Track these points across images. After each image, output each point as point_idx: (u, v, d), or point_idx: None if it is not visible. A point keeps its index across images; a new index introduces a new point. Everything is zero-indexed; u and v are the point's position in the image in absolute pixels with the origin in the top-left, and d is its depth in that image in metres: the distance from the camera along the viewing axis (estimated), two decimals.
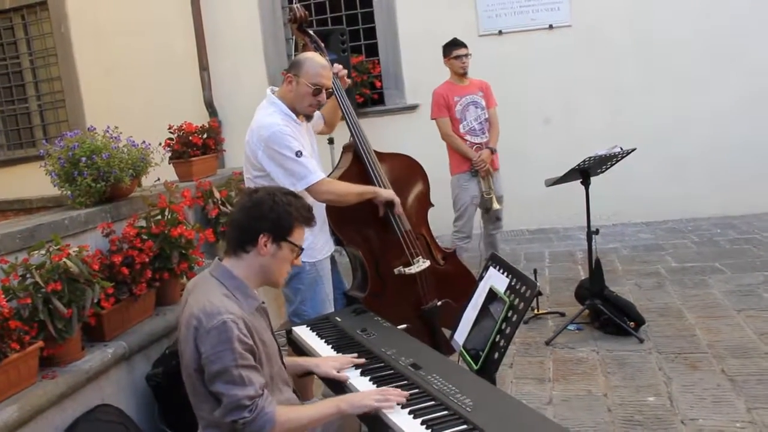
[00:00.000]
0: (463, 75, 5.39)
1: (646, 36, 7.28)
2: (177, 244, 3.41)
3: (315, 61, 3.25)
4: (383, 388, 2.15)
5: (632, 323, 4.43)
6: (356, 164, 3.59)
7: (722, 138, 7.17)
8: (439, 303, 3.64)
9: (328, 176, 3.61)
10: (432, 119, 5.43)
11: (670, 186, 7.30)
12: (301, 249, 2.31)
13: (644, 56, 7.29)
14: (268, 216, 2.21)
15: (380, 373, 2.32)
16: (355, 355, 2.47)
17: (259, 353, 2.13)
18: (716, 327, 4.41)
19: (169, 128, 4.85)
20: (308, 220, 2.31)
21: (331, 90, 3.38)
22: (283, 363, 2.36)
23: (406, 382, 2.20)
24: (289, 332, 2.91)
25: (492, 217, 5.42)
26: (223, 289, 2.18)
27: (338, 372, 2.38)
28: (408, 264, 3.56)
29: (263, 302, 2.31)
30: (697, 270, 5.64)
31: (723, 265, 5.67)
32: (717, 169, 7.21)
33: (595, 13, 7.34)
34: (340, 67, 3.62)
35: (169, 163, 4.78)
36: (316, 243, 3.37)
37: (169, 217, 3.49)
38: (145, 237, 3.33)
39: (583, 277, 5.23)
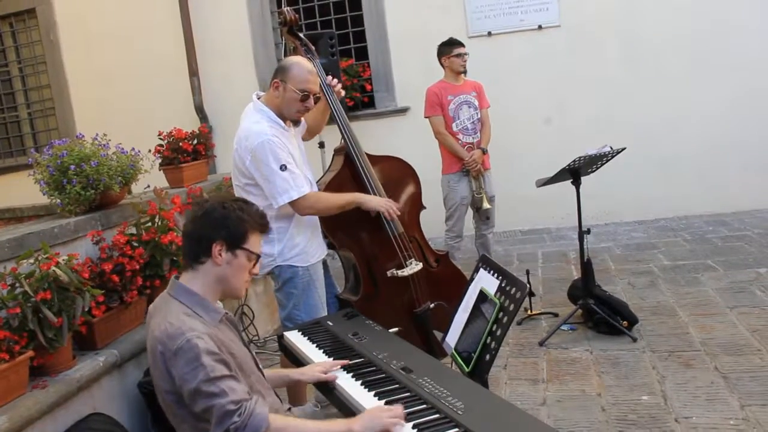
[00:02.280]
0: (462, 73, 5.44)
1: (635, 35, 7.29)
2: (168, 251, 3.39)
3: (302, 66, 3.23)
4: (395, 406, 2.04)
5: (625, 322, 4.43)
6: (348, 167, 3.59)
7: (713, 136, 7.20)
8: (432, 305, 3.64)
9: (320, 179, 3.62)
10: (425, 117, 5.46)
11: (661, 184, 7.32)
12: (258, 256, 2.28)
13: (633, 55, 7.31)
14: (220, 223, 2.18)
15: (372, 377, 2.31)
16: (337, 362, 2.46)
17: (230, 366, 2.09)
18: (709, 325, 4.42)
19: (159, 134, 4.84)
20: (262, 226, 2.28)
21: (318, 95, 3.38)
22: (260, 371, 2.35)
23: (397, 385, 2.20)
24: (281, 338, 2.90)
25: (482, 217, 5.43)
26: (183, 307, 2.15)
27: (325, 375, 2.38)
28: (401, 266, 3.57)
29: (227, 312, 2.29)
30: (689, 268, 5.65)
31: (715, 263, 5.68)
32: (708, 167, 7.24)
33: (583, 13, 7.35)
34: (336, 81, 3.62)
35: (160, 170, 4.77)
36: (309, 247, 3.36)
37: (160, 223, 3.48)
38: (135, 244, 3.31)
39: (575, 277, 5.23)
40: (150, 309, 2.28)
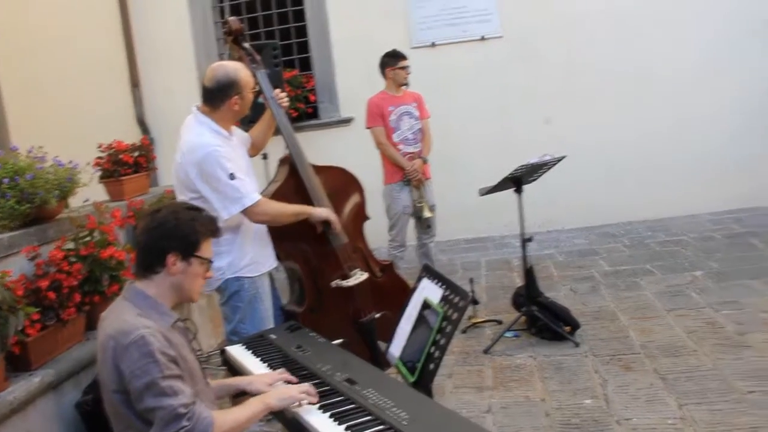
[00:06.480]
0: (405, 85, 5.48)
1: (575, 46, 7.46)
2: (107, 266, 3.33)
3: (240, 68, 3.23)
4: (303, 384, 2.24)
5: (568, 328, 4.52)
6: (293, 178, 3.57)
7: (651, 144, 7.39)
8: (377, 315, 3.64)
9: (264, 190, 3.58)
10: (367, 128, 5.47)
11: (601, 192, 7.48)
12: (211, 261, 2.29)
13: (574, 66, 7.47)
14: (174, 234, 2.19)
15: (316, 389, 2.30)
16: (283, 370, 2.45)
17: (180, 367, 2.09)
18: (648, 327, 4.54)
19: (99, 146, 4.75)
20: (214, 231, 2.30)
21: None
22: (207, 383, 2.33)
23: (342, 397, 2.19)
24: (224, 352, 2.86)
25: (423, 226, 5.47)
26: (137, 309, 2.14)
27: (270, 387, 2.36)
28: (345, 277, 3.56)
29: (180, 318, 2.28)
30: (629, 273, 5.79)
31: (654, 267, 5.84)
32: (646, 174, 7.42)
33: (524, 25, 7.49)
34: (279, 91, 3.60)
35: (100, 183, 4.68)
36: (260, 256, 3.33)
37: (99, 238, 3.41)
38: (73, 260, 3.24)
39: (519, 285, 5.30)
40: (103, 314, 2.26)
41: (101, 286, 3.31)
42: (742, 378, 3.67)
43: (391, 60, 5.47)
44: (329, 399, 2.20)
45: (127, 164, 4.72)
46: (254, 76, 3.40)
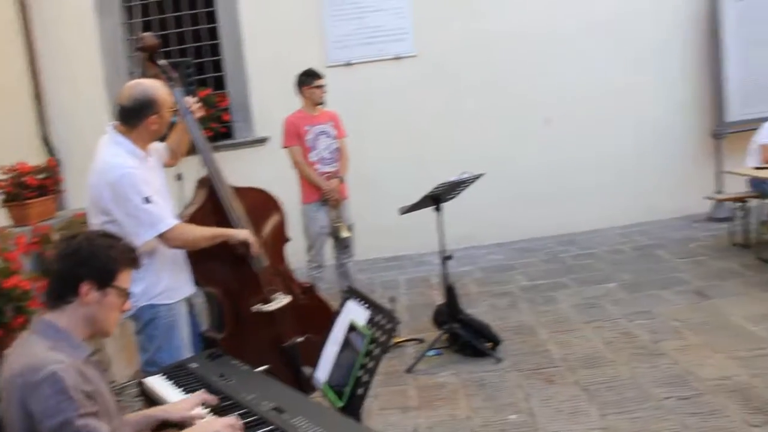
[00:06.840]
0: (321, 104, 5.45)
1: (489, 65, 7.60)
2: (11, 297, 3.14)
3: (158, 87, 3.13)
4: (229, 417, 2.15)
5: (489, 344, 4.56)
6: (211, 200, 3.47)
7: (559, 163, 7.61)
8: (300, 339, 3.57)
9: (181, 213, 3.47)
10: (283, 148, 5.41)
11: (516, 208, 7.64)
12: (128, 293, 2.18)
13: (487, 84, 7.61)
14: (89, 262, 2.06)
15: (243, 420, 2.21)
16: (202, 392, 2.37)
17: (97, 403, 1.97)
18: (567, 340, 4.64)
19: (0, 169, 4.52)
20: (133, 261, 2.19)
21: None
22: (121, 418, 2.21)
23: (271, 427, 2.12)
24: (141, 383, 2.73)
25: (341, 245, 5.44)
26: (48, 342, 2.00)
27: (192, 412, 2.28)
28: (266, 301, 3.48)
29: (93, 353, 2.16)
30: (546, 287, 5.92)
31: (569, 280, 6.00)
32: (556, 191, 7.63)
33: (437, 44, 7.59)
34: (193, 100, 3.50)
35: (2, 207, 4.45)
36: (176, 282, 3.21)
37: (1, 266, 3.22)
38: None
39: (439, 302, 5.32)
40: (7, 350, 2.10)
41: (5, 318, 3.11)
42: (658, 385, 3.82)
43: (308, 79, 5.44)
44: (257, 429, 2.12)
45: (31, 187, 4.51)
46: (172, 94, 3.30)
